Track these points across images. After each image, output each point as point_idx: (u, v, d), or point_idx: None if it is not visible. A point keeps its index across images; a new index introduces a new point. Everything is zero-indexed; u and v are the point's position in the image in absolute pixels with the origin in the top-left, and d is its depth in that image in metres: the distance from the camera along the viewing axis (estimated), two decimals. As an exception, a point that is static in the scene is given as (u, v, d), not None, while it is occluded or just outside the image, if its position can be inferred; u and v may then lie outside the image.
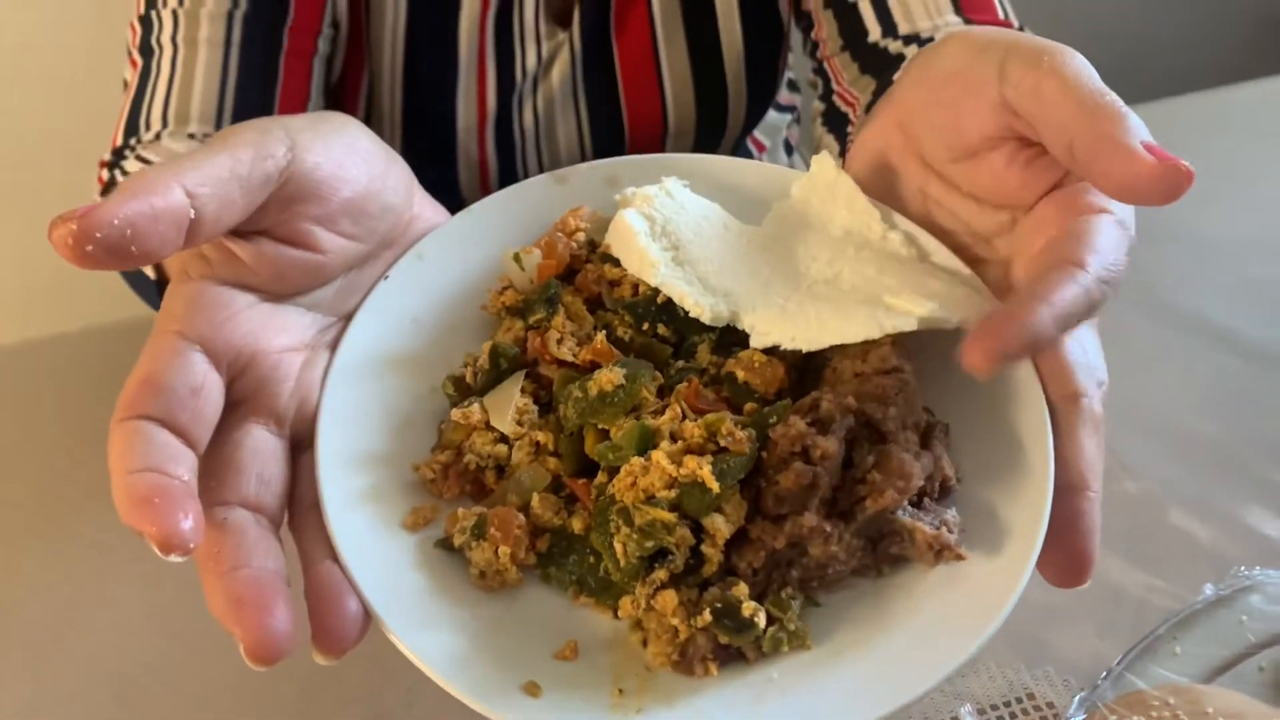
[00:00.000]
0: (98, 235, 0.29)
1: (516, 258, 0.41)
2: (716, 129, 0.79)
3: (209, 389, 0.34)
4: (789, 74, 0.88)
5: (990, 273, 0.40)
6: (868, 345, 0.37)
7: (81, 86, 1.22)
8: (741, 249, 0.41)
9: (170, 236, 0.31)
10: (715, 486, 0.34)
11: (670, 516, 0.34)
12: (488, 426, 0.38)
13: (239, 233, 0.35)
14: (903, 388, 0.36)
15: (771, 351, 0.38)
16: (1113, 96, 0.34)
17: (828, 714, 0.33)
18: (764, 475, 0.35)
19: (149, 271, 0.58)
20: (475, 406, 0.39)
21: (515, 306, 0.41)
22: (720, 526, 0.34)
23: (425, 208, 0.42)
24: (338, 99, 0.76)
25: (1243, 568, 0.54)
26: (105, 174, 0.65)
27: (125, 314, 0.74)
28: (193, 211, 0.31)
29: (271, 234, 0.36)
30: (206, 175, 0.32)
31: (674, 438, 0.36)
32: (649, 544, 0.34)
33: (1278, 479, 0.60)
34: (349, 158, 0.37)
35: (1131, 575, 0.56)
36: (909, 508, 0.36)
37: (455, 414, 0.38)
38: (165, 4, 0.67)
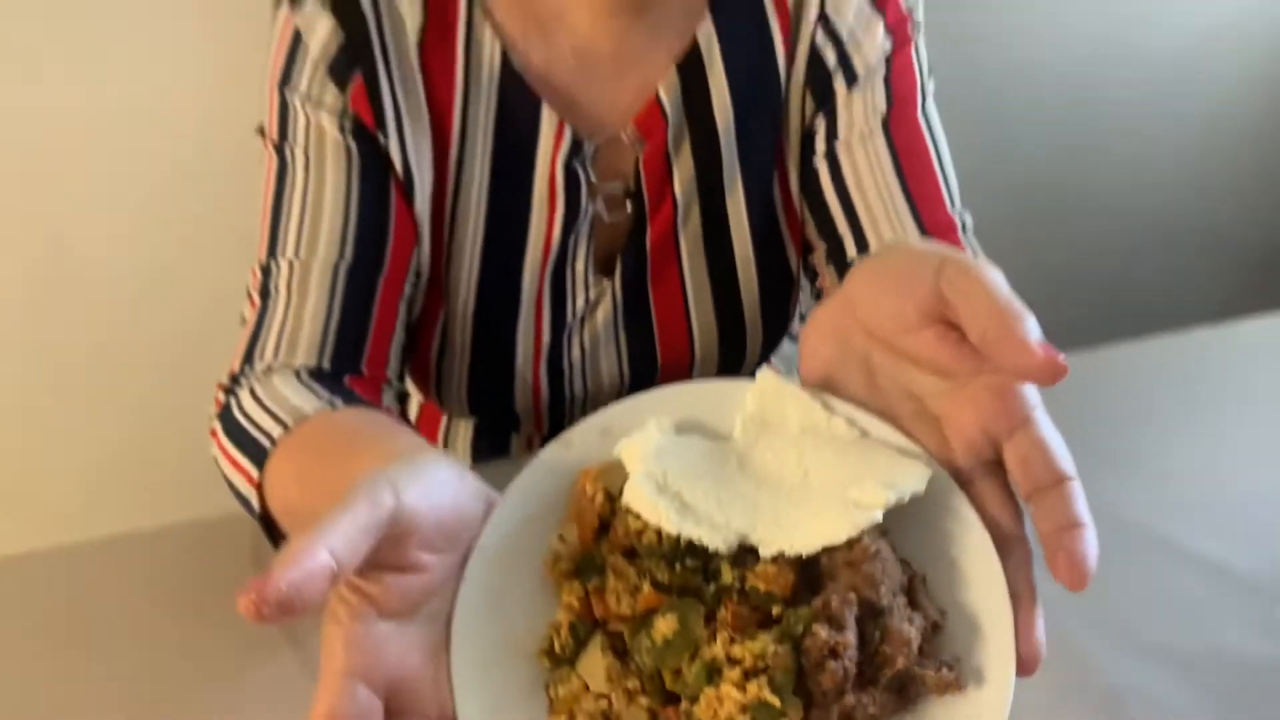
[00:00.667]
0: (273, 600, 0.38)
1: (561, 538, 0.50)
2: (736, 360, 0.92)
3: (373, 712, 0.43)
4: (800, 310, 1.01)
5: (921, 426, 0.50)
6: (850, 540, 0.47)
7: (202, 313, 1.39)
8: (726, 475, 0.50)
9: (322, 589, 0.40)
10: (777, 703, 0.44)
11: None
12: (587, 689, 0.47)
13: (364, 572, 0.44)
14: (885, 566, 0.46)
15: (778, 556, 0.47)
16: (1019, 303, 0.44)
17: None
18: (806, 672, 0.45)
19: (254, 502, 0.69)
20: (574, 679, 0.48)
21: (569, 571, 0.49)
22: None
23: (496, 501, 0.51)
24: (416, 333, 0.88)
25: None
26: (222, 397, 0.76)
27: (223, 511, 0.84)
28: (335, 565, 0.40)
29: (388, 566, 0.45)
30: (339, 535, 0.41)
31: (729, 658, 0.45)
32: None
33: (1224, 681, 0.68)
34: (435, 488, 0.46)
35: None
36: (918, 661, 0.45)
37: (563, 690, 0.48)
38: (284, 254, 0.79)
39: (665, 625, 0.47)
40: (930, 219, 0.81)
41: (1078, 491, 0.44)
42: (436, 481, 0.46)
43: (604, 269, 0.87)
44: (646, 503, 0.48)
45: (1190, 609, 0.73)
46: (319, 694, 0.43)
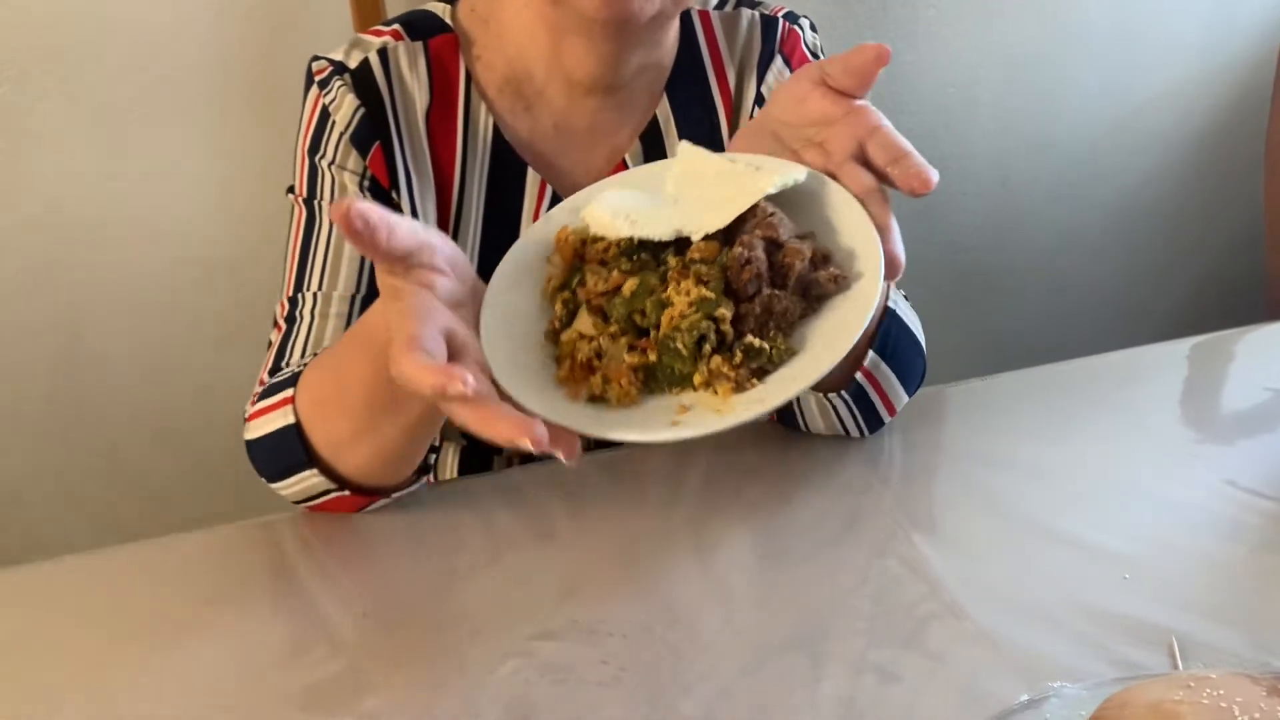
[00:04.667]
0: (357, 213, 0.59)
1: (549, 262, 0.69)
2: None
3: (440, 342, 0.60)
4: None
5: (811, 151, 0.70)
6: (754, 208, 0.65)
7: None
8: (666, 204, 0.69)
9: (384, 231, 0.60)
10: (713, 295, 0.62)
11: (699, 316, 0.61)
12: (581, 337, 0.65)
13: (410, 267, 0.63)
14: (780, 219, 0.65)
15: (707, 236, 0.65)
16: (858, 58, 0.68)
17: (824, 356, 0.61)
18: (730, 280, 0.63)
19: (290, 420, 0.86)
20: (572, 331, 0.65)
21: (559, 284, 0.68)
22: (725, 313, 0.61)
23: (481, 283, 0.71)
24: None
25: (1048, 682, 0.76)
26: (259, 389, 0.92)
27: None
28: (390, 224, 0.61)
29: (425, 265, 0.64)
30: (394, 217, 0.61)
31: (677, 293, 0.63)
32: (695, 332, 0.60)
33: (1085, 629, 0.81)
34: (448, 243, 0.66)
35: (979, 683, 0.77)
36: (812, 269, 0.64)
37: (564, 338, 0.65)
38: (309, 288, 0.95)
39: (629, 286, 0.65)
40: None
41: (919, 156, 0.65)
42: (448, 241, 0.67)
43: None
44: (607, 223, 0.67)
45: (1063, 577, 0.86)
46: (394, 338, 0.58)
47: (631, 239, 0.66)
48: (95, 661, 0.82)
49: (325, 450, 0.86)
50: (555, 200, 0.99)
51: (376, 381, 0.75)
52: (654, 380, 0.63)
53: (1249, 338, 1.21)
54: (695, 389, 0.61)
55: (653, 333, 0.63)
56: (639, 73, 0.99)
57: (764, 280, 0.62)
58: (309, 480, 0.88)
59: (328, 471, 0.87)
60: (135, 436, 1.65)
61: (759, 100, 1.02)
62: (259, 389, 0.94)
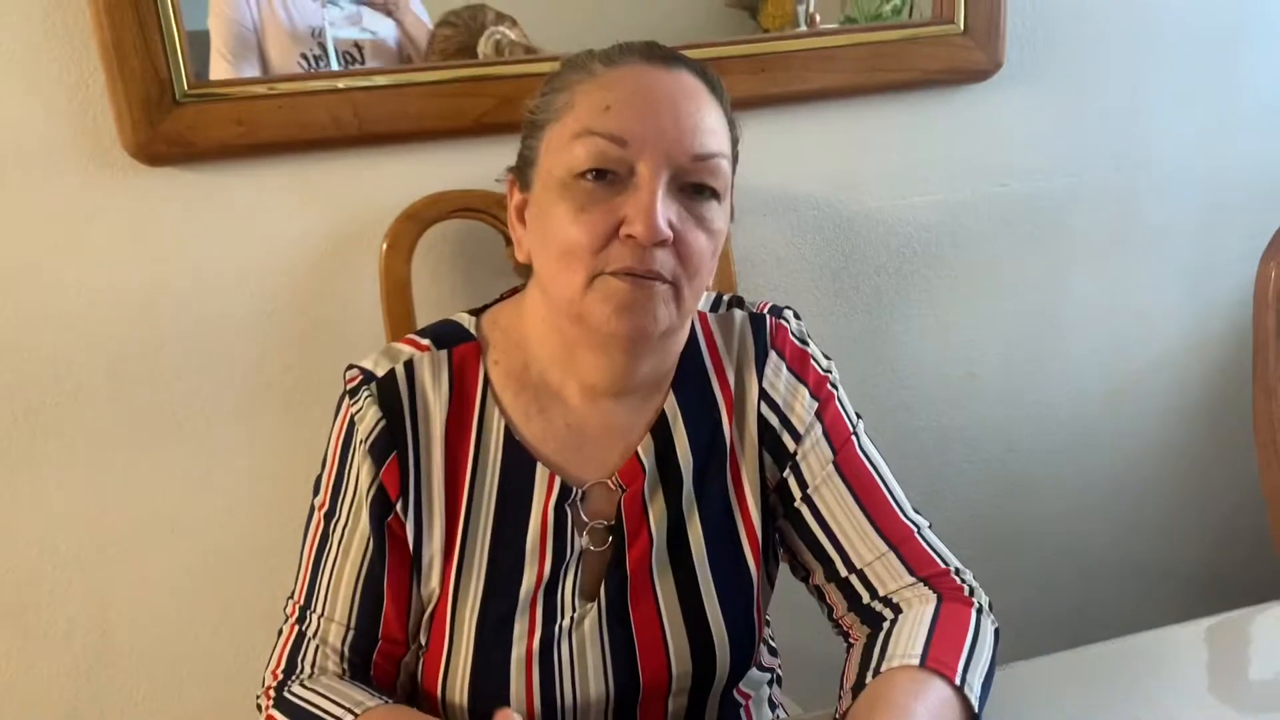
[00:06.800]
0: None
1: None
2: (708, 680, 1.07)
3: None
4: (771, 642, 1.18)
5: None
6: None
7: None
8: None
9: None
10: None
11: None
12: None
13: None
14: None
15: None
16: None
17: None
18: None
19: None
20: None
21: None
22: None
23: None
24: (430, 642, 1.07)
25: None
26: (271, 698, 0.99)
27: None
28: None
29: None
30: None
31: None
32: None
33: None
34: None
35: None
36: None
37: None
38: (314, 609, 1.03)
39: None
40: (889, 530, 1.04)
41: None
42: None
43: (588, 595, 1.06)
44: None
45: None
46: None
47: None
48: None
49: None
50: (564, 492, 1.03)
51: None
52: None
53: (1261, 618, 1.21)
54: None
55: None
56: (648, 375, 1.05)
57: None
58: None
59: None
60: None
61: (762, 395, 1.09)
62: (273, 683, 1.00)
